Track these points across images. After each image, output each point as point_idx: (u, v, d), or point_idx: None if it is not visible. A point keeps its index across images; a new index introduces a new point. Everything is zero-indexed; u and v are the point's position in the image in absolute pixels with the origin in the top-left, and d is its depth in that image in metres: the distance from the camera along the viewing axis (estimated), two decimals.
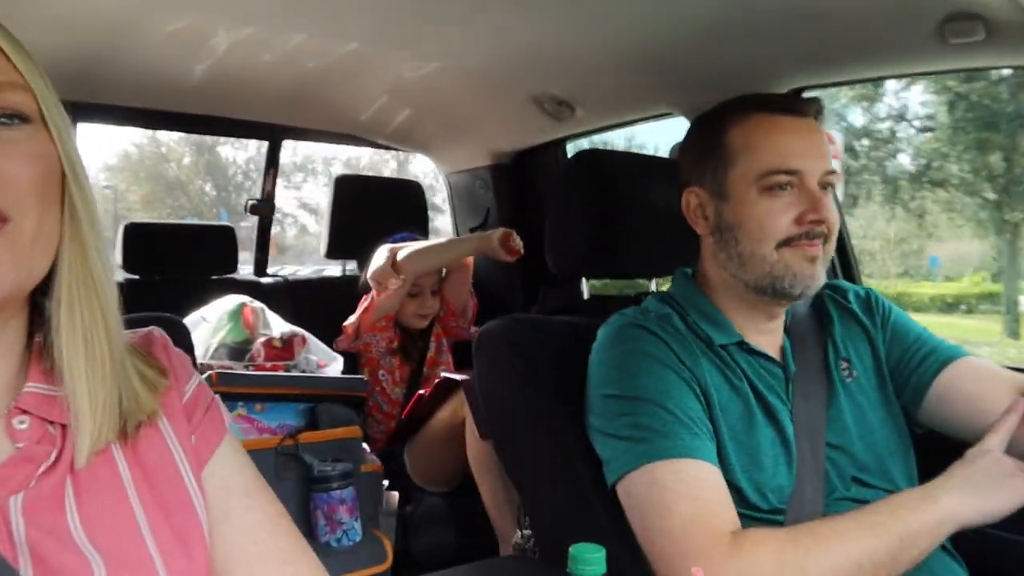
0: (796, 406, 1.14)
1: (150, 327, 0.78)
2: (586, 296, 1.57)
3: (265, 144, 2.67)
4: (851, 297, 1.29)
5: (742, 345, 1.17)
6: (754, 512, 1.07)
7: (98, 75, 1.94)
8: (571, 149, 2.52)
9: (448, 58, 1.89)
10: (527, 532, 1.67)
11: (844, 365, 1.21)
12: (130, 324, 0.74)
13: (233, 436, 0.79)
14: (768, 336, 1.21)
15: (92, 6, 1.54)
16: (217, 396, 0.80)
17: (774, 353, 1.19)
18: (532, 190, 2.62)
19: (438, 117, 2.40)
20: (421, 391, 2.13)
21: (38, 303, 0.68)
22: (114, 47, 1.78)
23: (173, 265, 2.38)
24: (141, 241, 2.34)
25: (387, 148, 2.78)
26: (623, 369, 1.12)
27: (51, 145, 0.64)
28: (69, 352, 0.65)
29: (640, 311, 1.22)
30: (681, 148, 1.27)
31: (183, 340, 1.34)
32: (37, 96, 0.64)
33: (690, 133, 1.26)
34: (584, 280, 1.56)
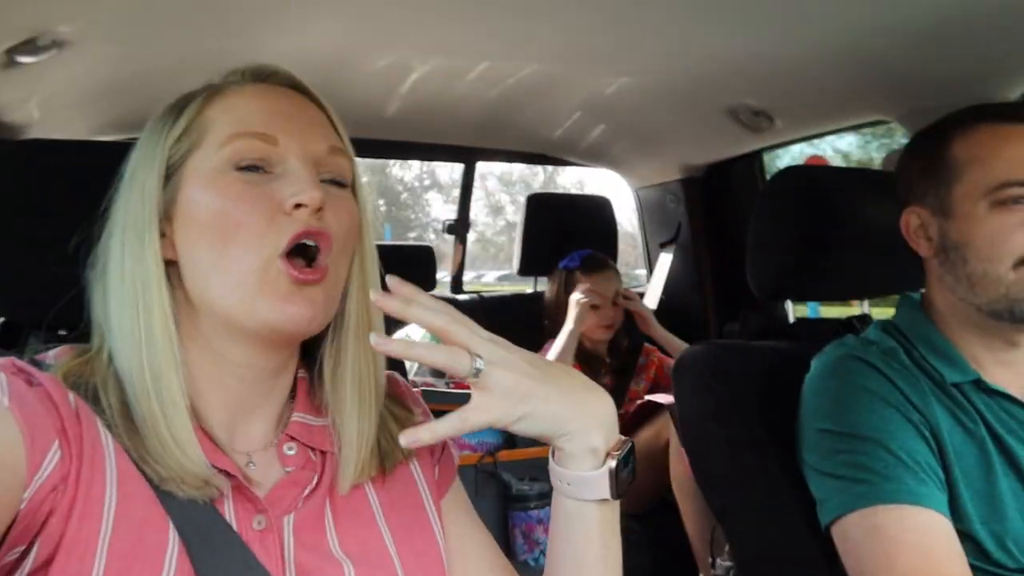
0: None
1: (390, 373, 0.84)
2: (791, 319, 1.49)
3: (457, 166, 2.76)
4: None
5: (979, 384, 1.06)
6: (997, 569, 0.96)
7: None
8: (767, 160, 2.43)
9: (640, 72, 1.87)
10: (726, 564, 1.60)
11: None
12: None
13: (459, 480, 0.86)
14: (1009, 371, 1.09)
15: (309, 51, 1.66)
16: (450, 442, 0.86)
17: (1017, 392, 1.07)
18: (726, 204, 2.55)
19: (629, 132, 2.39)
20: (622, 411, 2.12)
21: (305, 343, 0.76)
22: (323, 86, 1.91)
23: (380, 285, 2.51)
24: None
25: (578, 165, 2.80)
26: (840, 403, 1.05)
27: (357, 209, 0.74)
28: (344, 389, 0.73)
29: (861, 342, 1.13)
30: (899, 165, 1.17)
31: (396, 360, 1.40)
32: (352, 166, 0.74)
33: (909, 148, 1.17)
34: (790, 303, 1.48)
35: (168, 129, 0.70)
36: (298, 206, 0.66)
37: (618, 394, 2.32)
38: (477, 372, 0.63)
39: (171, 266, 0.69)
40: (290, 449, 0.73)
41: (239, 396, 0.71)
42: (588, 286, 2.36)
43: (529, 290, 2.79)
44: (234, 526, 0.66)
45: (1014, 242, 1.01)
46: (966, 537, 0.96)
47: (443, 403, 1.74)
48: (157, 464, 0.62)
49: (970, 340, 1.09)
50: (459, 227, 2.77)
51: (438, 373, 1.89)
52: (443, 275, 2.95)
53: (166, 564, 0.61)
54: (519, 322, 2.52)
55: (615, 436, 0.70)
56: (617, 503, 0.72)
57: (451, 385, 1.85)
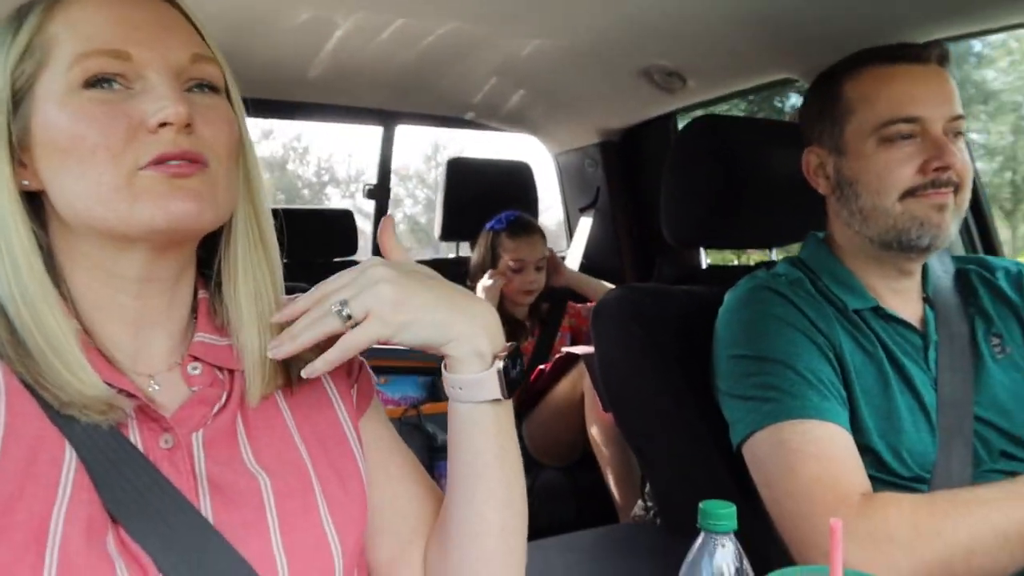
0: (940, 376, 1.10)
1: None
2: (704, 266, 1.55)
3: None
4: (1000, 275, 1.22)
5: (877, 311, 1.13)
6: (894, 478, 1.03)
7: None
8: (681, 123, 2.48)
9: (555, 34, 1.88)
10: (648, 504, 1.66)
11: (996, 340, 1.15)
12: None
13: (377, 398, 0.85)
14: (904, 299, 1.16)
15: (224, 7, 1.62)
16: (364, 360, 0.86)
17: (913, 320, 1.15)
18: (643, 166, 2.60)
19: (547, 96, 2.41)
20: (541, 366, 2.15)
21: (202, 261, 0.75)
22: (239, 44, 1.87)
23: (299, 248, 2.48)
24: None
25: (497, 130, 2.81)
26: (752, 330, 1.10)
27: (232, 114, 0.71)
28: (241, 304, 0.72)
29: (771, 274, 1.19)
30: (800, 109, 1.23)
31: None
32: (224, 72, 0.71)
33: (808, 93, 1.23)
34: (702, 250, 1.53)
35: (7, 48, 0.64)
36: (163, 125, 0.63)
37: (542, 354, 2.35)
38: (348, 317, 0.64)
39: (42, 195, 0.66)
40: (195, 369, 0.71)
41: (136, 314, 0.69)
42: (513, 250, 2.38)
43: (452, 255, 2.80)
44: (140, 447, 0.65)
45: (898, 176, 1.07)
46: (866, 450, 1.03)
47: (366, 359, 1.75)
48: (57, 389, 0.61)
49: (867, 271, 1.16)
50: (379, 191, 2.75)
51: None
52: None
53: (62, 482, 0.60)
54: None
55: (500, 341, 0.71)
56: (510, 405, 0.74)
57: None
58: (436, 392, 1.74)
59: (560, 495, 2.07)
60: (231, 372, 0.73)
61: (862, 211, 1.11)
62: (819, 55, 1.71)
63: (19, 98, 0.64)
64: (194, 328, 0.73)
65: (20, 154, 0.65)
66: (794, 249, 1.69)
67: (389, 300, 0.65)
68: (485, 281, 2.30)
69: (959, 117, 1.08)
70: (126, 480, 0.62)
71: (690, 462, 1.24)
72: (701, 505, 0.81)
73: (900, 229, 1.08)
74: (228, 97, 0.71)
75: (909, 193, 1.07)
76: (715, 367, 1.15)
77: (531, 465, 2.14)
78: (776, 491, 1.01)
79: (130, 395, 0.65)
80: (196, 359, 0.72)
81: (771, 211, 1.42)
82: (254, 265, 0.73)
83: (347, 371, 0.81)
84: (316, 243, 2.53)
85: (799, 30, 1.67)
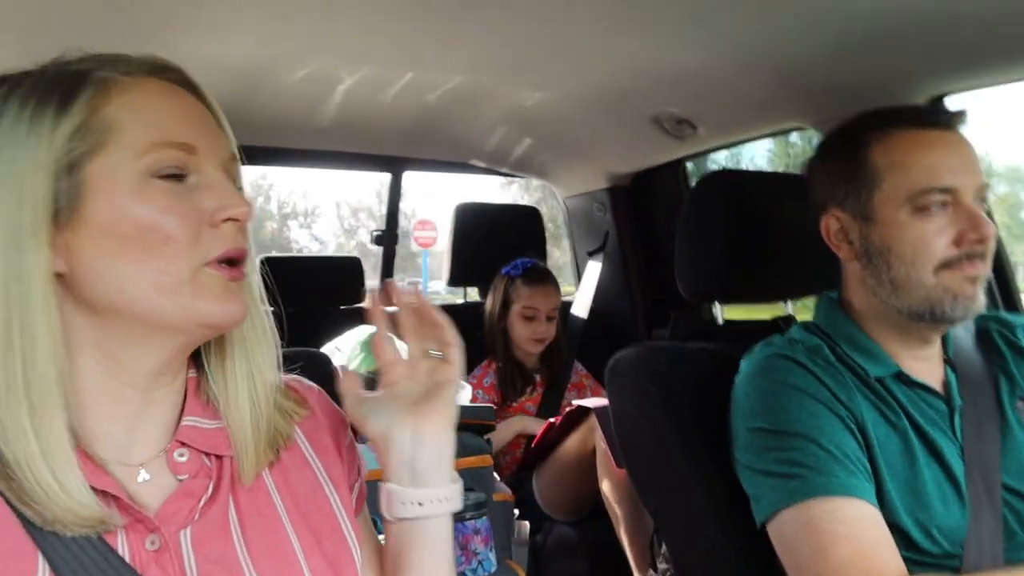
0: (967, 443, 1.06)
1: (297, 377, 0.83)
2: (720, 321, 1.52)
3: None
4: (1020, 332, 1.19)
5: (899, 377, 1.10)
6: (924, 557, 0.99)
7: (231, 119, 2.04)
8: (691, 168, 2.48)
9: (564, 84, 1.88)
10: (663, 566, 1.61)
11: (1021, 405, 1.11)
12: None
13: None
14: (926, 364, 1.13)
15: (229, 58, 1.62)
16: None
17: (936, 385, 1.11)
18: (651, 211, 2.59)
19: (556, 143, 2.40)
20: (552, 419, 2.12)
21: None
22: (246, 95, 1.87)
23: (305, 297, 2.46)
24: (276, 274, 2.43)
25: (507, 175, 2.81)
26: (771, 402, 1.07)
27: None
28: (235, 388, 0.71)
29: (787, 341, 1.16)
30: (813, 168, 1.20)
31: (327, 371, 1.37)
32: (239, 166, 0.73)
33: (823, 152, 1.19)
34: (718, 305, 1.51)
35: (53, 119, 0.61)
36: (225, 220, 0.65)
37: (550, 407, 2.32)
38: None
39: (60, 279, 0.63)
40: (181, 456, 0.68)
41: (138, 407, 0.67)
42: (527, 298, 2.37)
43: (459, 301, 2.78)
44: (125, 550, 0.62)
45: (935, 248, 1.04)
46: (893, 527, 0.99)
47: None
48: (40, 507, 0.58)
49: (888, 337, 1.12)
50: (387, 237, 2.74)
51: (369, 385, 1.85)
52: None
53: None
54: None
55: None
56: None
57: None
58: None
59: (572, 551, 2.02)
60: (219, 459, 0.70)
61: (893, 281, 1.08)
62: (830, 105, 1.72)
63: (68, 176, 0.62)
64: (182, 411, 0.71)
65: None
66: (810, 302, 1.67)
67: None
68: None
69: (986, 185, 1.06)
70: None
71: (707, 526, 1.20)
72: None
73: (934, 301, 1.05)
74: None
75: (944, 265, 1.04)
76: (733, 437, 1.12)
77: (542, 520, 2.09)
78: (806, 574, 0.97)
79: (113, 496, 0.62)
80: (183, 444, 0.69)
81: (787, 265, 1.40)
82: (251, 348, 0.72)
83: (347, 466, 0.80)
84: (323, 291, 2.51)
85: (810, 80, 1.66)
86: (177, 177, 0.64)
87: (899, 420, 1.06)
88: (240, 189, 0.70)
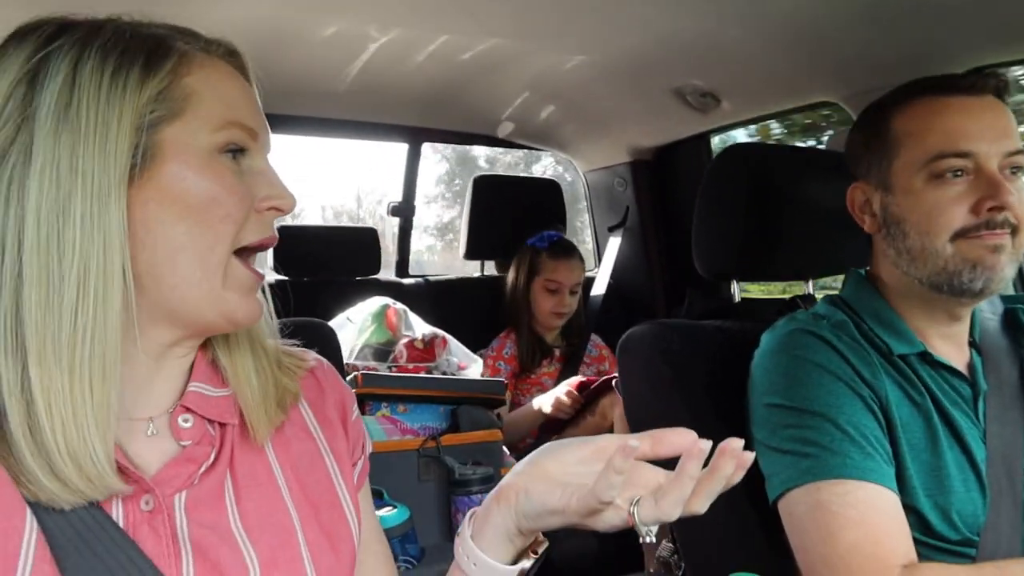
0: (989, 429, 1.02)
1: (298, 348, 0.82)
2: (737, 299, 1.48)
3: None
4: None
5: (925, 356, 1.06)
6: (940, 543, 0.96)
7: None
8: (715, 144, 2.42)
9: (588, 52, 1.84)
10: (672, 545, 1.59)
11: None
12: (279, 329, 0.78)
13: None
14: (952, 345, 1.09)
15: (252, 19, 1.59)
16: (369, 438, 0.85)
17: (961, 367, 1.07)
18: (674, 187, 2.54)
19: (577, 114, 2.36)
20: (584, 379, 2.12)
21: None
22: (267, 58, 1.84)
23: (320, 267, 2.45)
24: (292, 244, 2.43)
25: (526, 148, 2.77)
26: (791, 378, 1.03)
27: None
28: (238, 355, 0.71)
29: (812, 316, 1.12)
30: (847, 142, 1.17)
31: (331, 344, 1.36)
32: None
33: (854, 126, 1.17)
34: (735, 283, 1.47)
35: (138, 79, 0.61)
36: (269, 209, 0.66)
37: (567, 378, 2.30)
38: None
39: None
40: (185, 421, 0.67)
41: (148, 370, 0.67)
42: (552, 271, 2.35)
43: (476, 274, 2.75)
44: (120, 511, 0.61)
45: (949, 216, 1.00)
46: (911, 510, 0.96)
47: (385, 386, 1.71)
48: (37, 486, 0.56)
49: (915, 313, 1.09)
50: (404, 208, 2.71)
51: (380, 356, 1.84)
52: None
53: (22, 557, 0.56)
54: (467, 307, 2.49)
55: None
56: None
57: (393, 369, 1.80)
58: (456, 422, 1.69)
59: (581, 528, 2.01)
60: (223, 426, 0.69)
61: (910, 251, 1.04)
62: (861, 79, 1.67)
63: (147, 136, 0.61)
64: (189, 375, 0.70)
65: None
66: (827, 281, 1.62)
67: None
68: (561, 396, 2.14)
69: (1018, 152, 1.01)
70: (91, 551, 0.58)
71: (718, 512, 1.17)
72: None
73: (951, 272, 1.01)
74: None
75: (960, 234, 1.00)
76: (751, 414, 1.09)
77: None
78: (812, 556, 0.95)
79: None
80: (188, 410, 0.68)
81: (807, 243, 1.36)
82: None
83: (351, 441, 0.79)
84: (339, 261, 2.50)
85: (840, 53, 1.61)
86: (237, 158, 0.66)
87: (923, 400, 1.03)
88: None
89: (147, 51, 0.63)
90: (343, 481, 0.76)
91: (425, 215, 7.70)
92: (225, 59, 0.69)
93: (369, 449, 0.84)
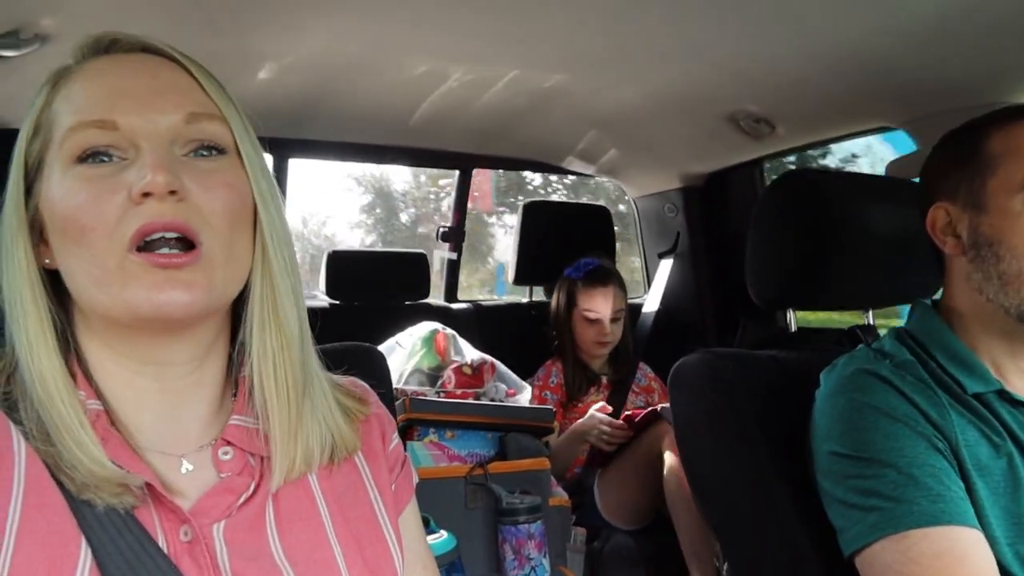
0: None
1: (352, 378, 0.81)
2: (793, 328, 1.44)
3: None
4: None
5: (1002, 394, 1.00)
6: None
7: (312, 113, 2.06)
8: (768, 171, 2.39)
9: (641, 79, 1.83)
10: None
11: None
12: (329, 353, 0.76)
13: (415, 500, 0.82)
14: None
15: (333, 52, 1.62)
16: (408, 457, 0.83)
17: None
18: (725, 213, 2.51)
19: (628, 140, 2.35)
20: (629, 413, 2.09)
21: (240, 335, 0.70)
22: (335, 89, 1.88)
23: (371, 291, 2.47)
24: (343, 268, 2.46)
25: (576, 174, 2.76)
26: (849, 424, 0.99)
27: (243, 175, 0.66)
28: (261, 378, 0.68)
29: (874, 354, 1.07)
30: (928, 162, 1.12)
31: (380, 368, 1.36)
32: (232, 128, 0.66)
33: (940, 145, 1.11)
34: (791, 312, 1.43)
35: (24, 128, 0.64)
36: (146, 195, 0.60)
37: (615, 408, 2.27)
38: None
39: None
40: (225, 454, 0.67)
41: (158, 396, 0.66)
42: (588, 301, 2.32)
43: (524, 300, 2.75)
44: (161, 538, 0.61)
45: None
46: None
47: (433, 412, 1.70)
48: (71, 470, 0.58)
49: (992, 346, 1.03)
50: (454, 234, 2.73)
51: (428, 381, 1.84)
52: None
53: None
54: (515, 332, 2.48)
55: None
56: None
57: (441, 395, 1.80)
58: (504, 450, 1.68)
59: (630, 560, 1.97)
60: (263, 459, 0.69)
61: (1002, 276, 0.98)
62: (921, 105, 1.63)
63: (31, 178, 0.64)
64: (231, 409, 0.69)
65: (43, 232, 0.64)
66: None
67: None
68: (598, 416, 2.11)
69: None
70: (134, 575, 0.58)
71: (776, 551, 1.14)
72: None
73: None
74: (239, 155, 0.67)
75: None
76: (814, 460, 1.05)
77: (601, 527, 2.04)
78: None
79: (149, 485, 0.61)
80: (228, 443, 0.68)
81: (865, 270, 1.31)
82: (270, 335, 0.68)
83: (388, 465, 0.77)
84: (388, 285, 2.51)
85: (899, 78, 1.58)
86: (101, 158, 0.61)
87: (1003, 442, 0.97)
88: (218, 150, 0.65)
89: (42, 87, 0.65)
90: (387, 513, 0.74)
91: (350, 239, 8.93)
92: (103, 55, 0.66)
93: (414, 473, 0.82)
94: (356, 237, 8.68)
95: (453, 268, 2.77)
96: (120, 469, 0.60)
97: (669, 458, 1.90)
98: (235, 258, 0.65)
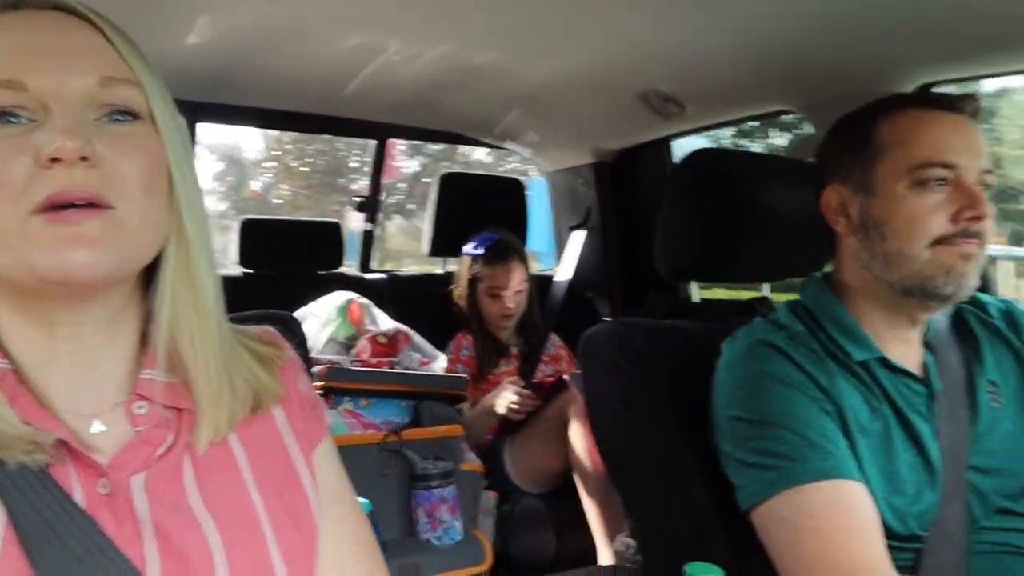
0: (941, 428, 1.07)
1: (263, 326, 0.81)
2: (696, 299, 1.52)
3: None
4: (993, 312, 1.20)
5: (883, 362, 1.10)
6: (890, 540, 1.00)
7: (229, 77, 2.01)
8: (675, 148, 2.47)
9: (558, 57, 1.87)
10: (629, 540, 1.63)
11: (992, 388, 1.12)
12: (246, 320, 0.77)
13: (330, 438, 0.82)
14: (908, 348, 1.13)
15: (262, 16, 1.59)
16: (319, 398, 0.83)
17: (915, 369, 1.12)
18: (634, 189, 2.58)
19: (544, 116, 2.39)
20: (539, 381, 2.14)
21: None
22: (252, 52, 1.84)
23: (284, 260, 2.44)
24: (256, 237, 2.42)
25: (492, 147, 2.79)
26: (749, 390, 1.07)
27: (158, 141, 0.65)
28: (177, 345, 0.68)
29: (772, 325, 1.15)
30: (823, 146, 1.20)
31: (297, 336, 1.36)
32: (147, 93, 0.65)
33: (834, 130, 1.19)
34: (695, 284, 1.51)
35: None
36: (55, 160, 0.58)
37: (525, 379, 2.32)
38: None
39: None
40: (140, 408, 0.67)
41: (72, 356, 0.66)
42: (490, 277, 2.34)
43: (439, 271, 2.77)
44: (79, 493, 0.61)
45: (930, 223, 1.04)
46: None
47: (349, 380, 1.71)
48: None
49: (876, 317, 1.12)
50: (370, 204, 2.72)
51: (343, 351, 1.85)
52: None
53: None
54: (430, 304, 2.50)
55: None
56: None
57: (356, 363, 1.81)
58: (419, 417, 1.71)
59: (539, 523, 2.04)
60: (179, 411, 0.69)
61: (887, 255, 1.07)
62: (818, 90, 1.72)
63: None
64: (141, 364, 0.69)
65: None
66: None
67: None
68: (508, 398, 2.13)
69: (989, 171, 1.06)
70: (53, 534, 0.58)
71: (679, 510, 1.20)
72: (686, 568, 0.79)
73: (925, 276, 1.05)
74: (154, 120, 0.66)
75: (939, 241, 1.04)
76: (715, 425, 1.12)
77: (511, 491, 2.11)
78: (783, 570, 0.98)
79: (64, 443, 0.61)
80: (142, 397, 0.68)
81: (766, 248, 1.39)
82: (183, 304, 0.68)
83: (300, 404, 0.77)
84: (301, 255, 2.49)
85: (800, 64, 1.66)
86: (12, 118, 0.59)
87: (880, 406, 1.07)
88: (132, 114, 0.64)
89: None
90: (302, 457, 0.75)
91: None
92: (15, 9, 0.63)
93: (327, 416, 0.82)
94: (207, 205, 8.98)
95: (368, 239, 2.75)
96: (29, 427, 0.60)
97: (576, 425, 1.96)
98: (149, 225, 0.64)
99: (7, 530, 0.57)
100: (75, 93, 0.61)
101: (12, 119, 0.59)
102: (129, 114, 0.64)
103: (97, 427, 0.65)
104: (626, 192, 2.61)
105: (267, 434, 0.73)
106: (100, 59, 0.63)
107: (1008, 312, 1.20)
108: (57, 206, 0.58)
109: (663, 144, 2.42)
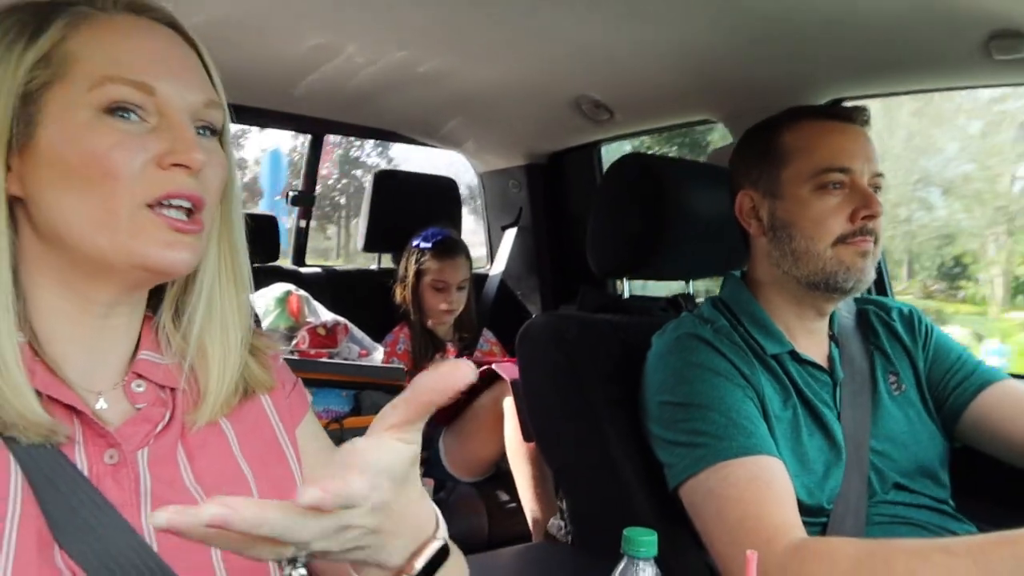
0: (844, 413, 1.18)
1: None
2: (626, 295, 1.62)
3: None
4: (895, 315, 1.33)
5: (793, 355, 1.21)
6: (799, 513, 1.08)
7: None
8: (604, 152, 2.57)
9: (493, 60, 1.91)
10: (561, 522, 1.72)
11: (893, 378, 1.26)
12: None
13: (312, 414, 0.87)
14: (815, 340, 1.25)
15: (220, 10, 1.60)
16: (299, 379, 0.88)
17: (821, 360, 1.23)
18: (565, 190, 2.67)
19: (477, 118, 2.45)
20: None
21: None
22: (209, 48, 1.82)
23: None
24: None
25: (426, 145, 2.83)
26: (679, 377, 1.15)
27: (226, 157, 0.73)
28: (206, 335, 0.74)
29: (698, 319, 1.24)
30: (735, 154, 1.31)
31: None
32: (224, 115, 0.74)
33: (744, 139, 1.31)
34: (625, 280, 1.60)
35: (22, 49, 0.64)
36: (175, 165, 0.66)
37: None
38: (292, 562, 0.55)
39: (16, 202, 0.66)
40: (139, 386, 0.72)
41: (97, 333, 0.70)
42: (437, 271, 2.42)
43: (373, 266, 2.80)
44: (84, 463, 0.65)
45: (832, 224, 1.15)
46: None
47: (310, 371, 1.74)
48: (1, 411, 0.61)
49: (786, 310, 1.24)
50: (304, 198, 2.73)
51: (282, 341, 1.88)
52: None
53: (11, 495, 0.61)
54: (364, 298, 2.54)
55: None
56: None
57: (295, 354, 1.85)
58: (359, 406, 1.76)
59: (474, 511, 2.10)
60: (172, 391, 0.74)
61: (794, 253, 1.18)
62: (738, 102, 1.84)
63: (25, 102, 0.65)
64: (137, 346, 0.74)
65: (10, 157, 0.65)
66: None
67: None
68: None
69: (879, 175, 1.18)
70: (65, 501, 0.63)
71: (610, 490, 1.28)
72: (625, 532, 0.86)
73: (828, 272, 1.16)
74: (222, 139, 0.74)
75: (840, 240, 1.15)
76: (646, 411, 1.20)
77: (446, 479, 2.17)
78: (709, 539, 1.06)
79: (76, 411, 0.65)
80: (140, 376, 0.73)
81: (690, 247, 1.49)
82: (223, 299, 0.75)
83: (282, 385, 0.83)
84: None
85: (722, 76, 1.76)
86: (128, 114, 0.65)
87: (790, 396, 1.18)
88: (219, 140, 0.72)
89: (37, 21, 0.66)
90: (283, 427, 0.80)
91: None
92: (133, 13, 0.69)
93: (307, 393, 0.87)
94: None
95: (302, 233, 2.77)
96: (51, 417, 0.63)
97: (509, 412, 2.04)
98: (214, 229, 0.73)
99: (25, 486, 0.61)
100: (190, 108, 0.68)
101: (127, 115, 0.65)
102: (213, 131, 0.72)
103: (101, 403, 0.70)
104: (557, 193, 2.69)
105: (254, 414, 0.79)
106: (205, 82, 0.71)
107: (908, 316, 1.34)
108: (162, 203, 0.65)
109: (593, 148, 2.52)
